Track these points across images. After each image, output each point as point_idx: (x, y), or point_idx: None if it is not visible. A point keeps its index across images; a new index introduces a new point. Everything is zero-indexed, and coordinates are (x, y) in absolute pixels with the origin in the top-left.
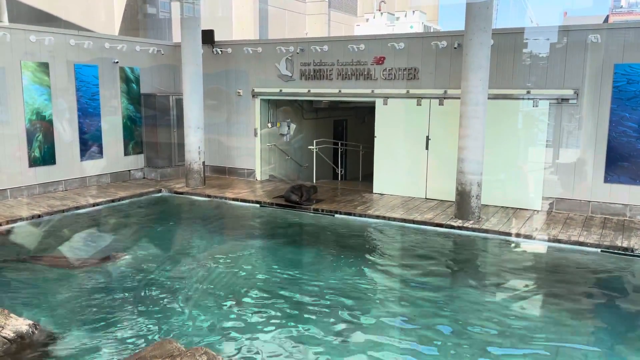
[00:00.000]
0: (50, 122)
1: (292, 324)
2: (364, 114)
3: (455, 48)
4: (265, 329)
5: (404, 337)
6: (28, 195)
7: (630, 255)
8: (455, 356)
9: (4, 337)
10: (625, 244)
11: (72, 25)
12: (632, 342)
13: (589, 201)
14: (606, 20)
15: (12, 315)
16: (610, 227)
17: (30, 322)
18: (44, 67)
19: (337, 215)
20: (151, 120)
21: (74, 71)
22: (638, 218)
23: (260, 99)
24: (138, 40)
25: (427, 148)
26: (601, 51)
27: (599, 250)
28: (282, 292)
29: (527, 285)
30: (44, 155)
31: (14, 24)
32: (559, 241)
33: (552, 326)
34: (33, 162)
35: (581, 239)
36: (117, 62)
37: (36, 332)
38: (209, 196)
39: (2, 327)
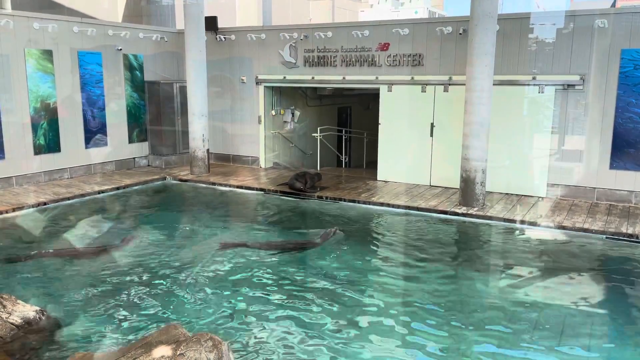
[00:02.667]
0: (55, 109)
1: (296, 310)
2: (368, 100)
3: (460, 34)
4: (269, 315)
5: (405, 322)
6: (33, 183)
7: (636, 242)
8: (458, 343)
9: (11, 323)
10: (630, 231)
11: (75, 12)
12: (634, 329)
13: (595, 188)
14: (613, 5)
15: (19, 301)
16: (616, 213)
17: (37, 308)
18: (48, 54)
19: (341, 203)
20: (155, 107)
21: (77, 58)
22: None
23: (264, 86)
24: (141, 27)
25: (431, 135)
26: (608, 36)
27: (604, 237)
28: (285, 279)
29: (531, 272)
30: (49, 143)
31: (17, 11)
32: (564, 228)
33: (556, 312)
34: (38, 150)
35: (586, 226)
36: (121, 49)
37: (43, 318)
38: (213, 184)
39: (10, 314)
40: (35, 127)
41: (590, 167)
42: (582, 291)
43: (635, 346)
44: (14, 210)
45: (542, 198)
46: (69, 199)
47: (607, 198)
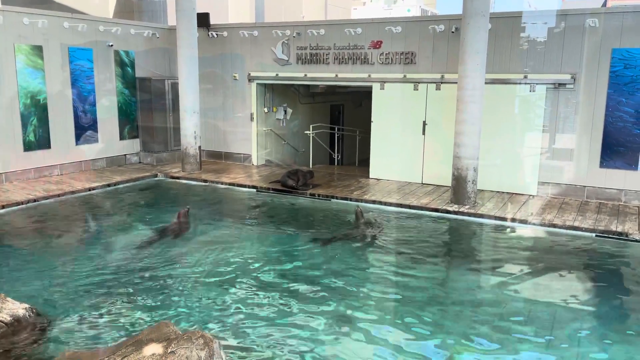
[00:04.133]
0: (45, 105)
1: (288, 307)
2: (361, 98)
3: (452, 32)
4: (261, 314)
5: (395, 320)
6: (23, 180)
7: (625, 240)
8: (448, 340)
9: (1, 321)
10: (619, 229)
11: (65, 7)
12: (622, 325)
13: (585, 186)
14: (605, 4)
15: (8, 299)
16: (605, 211)
17: (27, 305)
18: (38, 50)
19: (333, 200)
20: (146, 104)
21: (68, 54)
22: (633, 203)
23: (257, 83)
24: (133, 23)
25: (423, 133)
26: (599, 35)
27: (593, 234)
28: (277, 277)
29: (521, 270)
30: (39, 140)
31: (7, 6)
32: (554, 226)
33: (546, 310)
34: (28, 147)
35: (576, 224)
36: (112, 45)
37: (33, 315)
38: (205, 181)
39: None
40: (25, 124)
41: (581, 166)
42: (571, 289)
43: (624, 343)
44: (3, 207)
45: (533, 196)
46: (59, 195)
47: (597, 196)
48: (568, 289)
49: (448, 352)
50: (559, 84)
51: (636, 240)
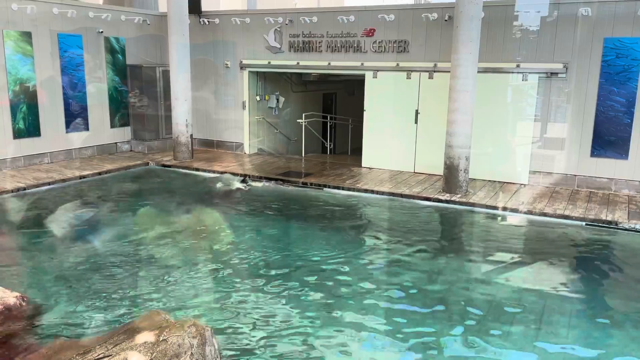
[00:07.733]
0: (35, 93)
1: (280, 295)
2: (354, 87)
3: (445, 20)
4: (254, 301)
5: (389, 309)
6: (13, 168)
7: (614, 228)
8: (440, 327)
9: None
10: (609, 218)
11: None
12: (610, 312)
13: (575, 175)
14: None
15: None
16: (596, 200)
17: (18, 294)
18: (27, 36)
19: (325, 189)
20: (137, 92)
21: (57, 41)
22: (623, 192)
23: (249, 71)
24: (123, 9)
25: (416, 122)
26: (591, 25)
27: (583, 223)
28: (269, 264)
29: (512, 258)
30: (29, 127)
31: None
32: (545, 214)
33: (536, 298)
34: (17, 134)
35: (566, 213)
36: (102, 32)
37: (24, 304)
38: (197, 169)
39: None
40: (14, 111)
41: (572, 155)
42: (561, 277)
43: (611, 329)
44: None
45: (524, 185)
46: (49, 184)
47: (587, 185)
48: (557, 277)
49: (435, 339)
50: (551, 73)
51: (625, 229)
